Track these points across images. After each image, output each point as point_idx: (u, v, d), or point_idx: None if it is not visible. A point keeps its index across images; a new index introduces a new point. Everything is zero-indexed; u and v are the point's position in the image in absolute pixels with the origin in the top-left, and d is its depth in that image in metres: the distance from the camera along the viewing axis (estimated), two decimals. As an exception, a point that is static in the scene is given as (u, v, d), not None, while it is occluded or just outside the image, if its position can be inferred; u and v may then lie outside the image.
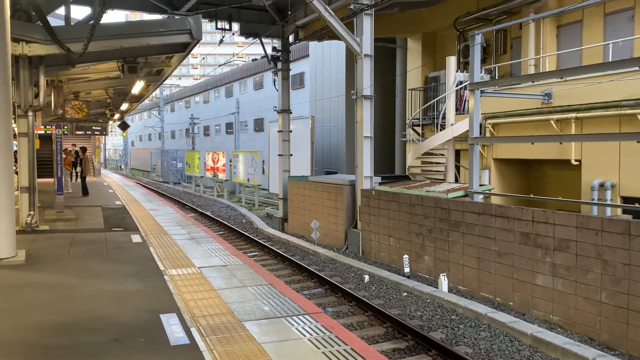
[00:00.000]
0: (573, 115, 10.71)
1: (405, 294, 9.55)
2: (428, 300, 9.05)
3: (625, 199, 10.03)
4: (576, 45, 11.96)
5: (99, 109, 22.65)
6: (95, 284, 6.46)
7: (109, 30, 9.23)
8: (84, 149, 19.44)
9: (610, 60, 10.40)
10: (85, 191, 18.12)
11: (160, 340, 4.62)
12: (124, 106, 22.11)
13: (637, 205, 8.40)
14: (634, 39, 10.59)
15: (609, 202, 9.96)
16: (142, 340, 4.64)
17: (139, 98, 20.65)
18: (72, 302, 5.73)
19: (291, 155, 18.46)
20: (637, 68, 8.50)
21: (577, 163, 10.90)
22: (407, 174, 14.60)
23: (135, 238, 9.78)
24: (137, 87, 14.99)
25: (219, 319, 5.26)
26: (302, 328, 5.06)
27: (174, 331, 4.82)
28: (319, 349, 4.55)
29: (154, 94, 40.44)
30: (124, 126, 29.70)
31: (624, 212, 8.83)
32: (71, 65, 10.70)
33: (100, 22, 7.91)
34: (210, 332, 4.88)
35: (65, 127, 22.77)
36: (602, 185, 10.27)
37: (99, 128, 25.68)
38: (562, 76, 10.17)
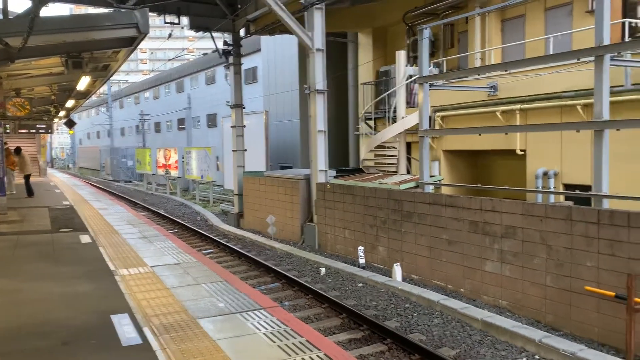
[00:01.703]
0: (517, 106, 11.10)
1: (360, 284, 9.69)
2: (383, 290, 9.22)
3: (567, 186, 10.49)
4: (520, 39, 12.38)
5: (43, 106, 21.75)
6: (42, 287, 6.25)
7: (51, 24, 8.88)
8: (17, 150, 18.38)
9: (551, 53, 10.83)
10: (29, 192, 17.42)
11: (112, 341, 4.53)
12: (70, 103, 21.31)
13: (577, 192, 8.80)
14: (573, 32, 11.04)
15: (552, 190, 10.40)
16: (93, 342, 4.53)
17: (85, 94, 19.94)
18: (18, 307, 5.53)
19: (245, 150, 18.32)
20: (575, 60, 8.88)
21: (522, 153, 11.31)
22: (361, 167, 14.77)
23: (85, 238, 9.50)
24: (83, 83, 14.47)
25: (172, 317, 5.20)
26: (258, 323, 5.07)
27: (126, 331, 4.73)
28: (274, 342, 4.57)
29: (101, 90, 39.21)
30: (70, 124, 28.63)
31: (566, 198, 9.24)
32: (10, 61, 10.22)
33: (41, 15, 7.60)
34: (164, 330, 4.82)
35: (7, 125, 21.80)
36: (545, 174, 10.71)
37: (44, 126, 24.65)
38: (507, 69, 10.51)
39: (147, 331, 4.77)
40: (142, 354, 4.29)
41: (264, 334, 4.79)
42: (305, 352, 4.37)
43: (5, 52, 9.45)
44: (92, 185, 28.44)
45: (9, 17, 9.99)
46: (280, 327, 4.96)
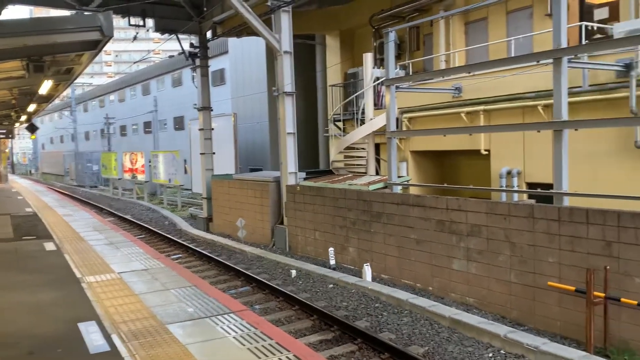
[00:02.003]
0: (481, 107, 11.35)
1: (331, 285, 9.75)
2: (353, 291, 9.30)
3: (530, 185, 10.79)
4: (483, 41, 12.65)
5: (3, 110, 21.15)
6: (6, 296, 6.11)
7: (11, 27, 8.65)
8: None
9: (512, 55, 11.12)
10: (-10, 199, 16.91)
11: (79, 349, 4.47)
12: (32, 107, 20.76)
13: (539, 190, 9.06)
14: (533, 35, 11.35)
15: (515, 189, 10.67)
16: (60, 351, 4.46)
17: (47, 98, 19.45)
18: (-21, 318, 5.39)
19: (214, 153, 18.18)
20: (535, 62, 9.14)
21: (487, 153, 11.58)
22: (330, 168, 14.84)
23: (49, 246, 9.31)
24: (45, 87, 14.13)
25: (140, 323, 5.16)
26: (227, 327, 5.07)
27: (94, 339, 4.67)
28: (244, 345, 4.59)
29: (64, 93, 38.31)
30: (32, 128, 27.89)
31: (529, 197, 9.51)
32: (-32, 65, 9.94)
33: (0, 18, 7.42)
34: (132, 337, 4.77)
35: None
36: (509, 173, 10.99)
37: (4, 131, 24.05)
38: (470, 71, 10.74)
39: (115, 338, 4.72)
40: (111, 361, 4.25)
41: (234, 337, 4.80)
42: (275, 354, 4.40)
43: (-38, 56, 9.18)
44: (56, 191, 27.79)
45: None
46: (250, 330, 4.97)
